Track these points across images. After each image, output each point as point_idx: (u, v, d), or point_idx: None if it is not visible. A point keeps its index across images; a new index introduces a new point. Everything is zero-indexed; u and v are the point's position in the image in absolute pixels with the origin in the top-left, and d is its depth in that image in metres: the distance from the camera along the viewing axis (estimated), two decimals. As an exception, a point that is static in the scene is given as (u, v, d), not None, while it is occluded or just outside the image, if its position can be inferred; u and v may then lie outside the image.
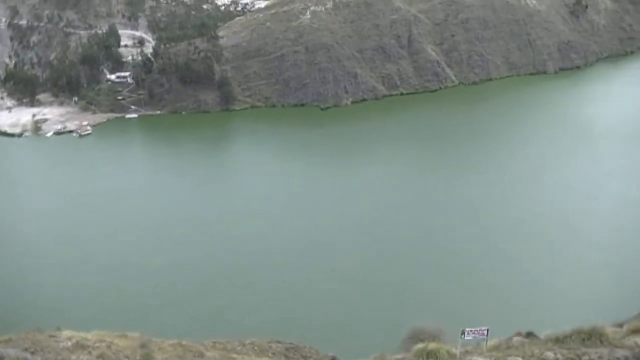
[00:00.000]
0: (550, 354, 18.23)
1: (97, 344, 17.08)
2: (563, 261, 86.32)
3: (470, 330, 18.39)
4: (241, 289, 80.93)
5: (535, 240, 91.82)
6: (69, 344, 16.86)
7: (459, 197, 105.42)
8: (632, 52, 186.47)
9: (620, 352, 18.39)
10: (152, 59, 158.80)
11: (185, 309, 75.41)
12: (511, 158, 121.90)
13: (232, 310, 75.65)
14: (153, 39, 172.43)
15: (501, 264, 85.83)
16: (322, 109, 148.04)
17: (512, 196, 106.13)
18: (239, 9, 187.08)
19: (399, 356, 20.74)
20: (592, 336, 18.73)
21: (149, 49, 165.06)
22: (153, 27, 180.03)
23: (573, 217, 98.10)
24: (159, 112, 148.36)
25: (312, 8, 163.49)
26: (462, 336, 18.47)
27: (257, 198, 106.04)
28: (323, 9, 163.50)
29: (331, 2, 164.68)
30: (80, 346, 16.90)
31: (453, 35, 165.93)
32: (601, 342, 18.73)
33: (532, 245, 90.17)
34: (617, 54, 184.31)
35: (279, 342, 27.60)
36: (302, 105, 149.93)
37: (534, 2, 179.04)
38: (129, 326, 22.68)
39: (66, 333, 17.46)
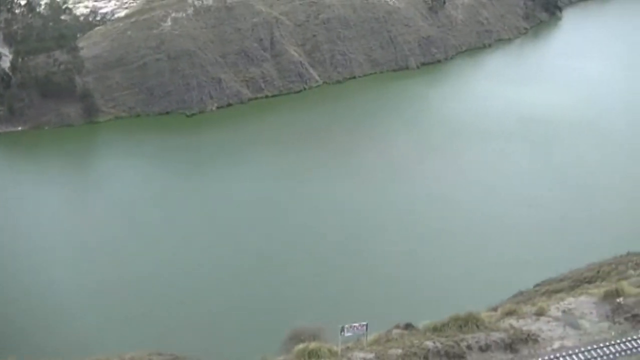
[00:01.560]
0: (429, 343, 19.83)
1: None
2: (436, 252, 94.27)
3: (350, 327, 19.33)
4: (119, 305, 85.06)
5: (407, 234, 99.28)
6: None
7: (329, 197, 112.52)
8: (489, 45, 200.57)
9: (496, 335, 20.71)
10: (10, 73, 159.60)
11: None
12: (379, 155, 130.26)
13: (110, 325, 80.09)
14: (10, 53, 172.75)
15: (375, 259, 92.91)
16: (187, 116, 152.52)
17: (382, 193, 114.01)
18: (98, 18, 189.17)
19: (280, 358, 22.23)
20: (468, 322, 20.89)
21: (6, 63, 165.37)
22: (9, 41, 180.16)
23: (442, 210, 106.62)
24: (20, 128, 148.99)
25: (172, 15, 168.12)
26: (342, 333, 19.35)
27: (124, 210, 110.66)
28: (184, 15, 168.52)
29: (192, 8, 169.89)
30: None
31: (315, 36, 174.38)
32: (477, 327, 20.86)
33: (404, 239, 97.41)
34: (476, 47, 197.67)
35: (160, 354, 31.31)
36: (167, 113, 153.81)
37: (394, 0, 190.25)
38: None
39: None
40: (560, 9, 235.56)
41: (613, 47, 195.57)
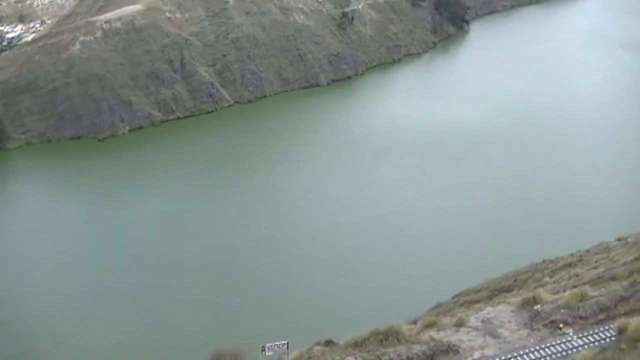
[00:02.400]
0: (350, 359, 20.25)
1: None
2: (354, 268, 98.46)
3: (271, 346, 19.62)
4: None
5: (324, 251, 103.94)
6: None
7: (243, 217, 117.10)
8: (399, 60, 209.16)
9: (417, 348, 21.00)
10: None
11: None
12: (291, 174, 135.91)
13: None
14: None
15: (294, 277, 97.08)
16: (99, 140, 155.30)
17: (296, 212, 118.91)
18: (4, 43, 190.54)
19: (202, 380, 21.61)
20: (389, 336, 21.05)
21: None
22: None
23: (357, 226, 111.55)
24: None
25: (81, 38, 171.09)
26: (263, 353, 19.54)
27: (31, 239, 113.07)
28: (92, 38, 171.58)
29: (100, 32, 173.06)
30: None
31: (225, 56, 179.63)
32: (398, 340, 21.06)
33: (321, 257, 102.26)
34: (386, 62, 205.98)
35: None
36: (79, 137, 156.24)
37: (302, 17, 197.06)
38: None
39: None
40: (467, 23, 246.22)
41: (519, 58, 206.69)
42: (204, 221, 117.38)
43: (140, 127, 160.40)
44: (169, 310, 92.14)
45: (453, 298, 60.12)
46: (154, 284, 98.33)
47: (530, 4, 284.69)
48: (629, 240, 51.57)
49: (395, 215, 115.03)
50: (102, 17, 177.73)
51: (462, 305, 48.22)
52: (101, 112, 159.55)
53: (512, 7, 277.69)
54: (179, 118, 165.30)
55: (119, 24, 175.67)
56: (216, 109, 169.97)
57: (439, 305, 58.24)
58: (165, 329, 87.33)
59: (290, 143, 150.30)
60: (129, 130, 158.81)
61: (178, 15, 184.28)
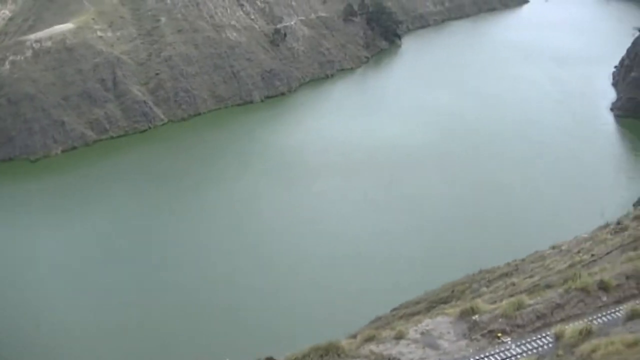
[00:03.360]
0: None
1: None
2: (293, 284, 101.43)
3: None
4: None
5: (262, 268, 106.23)
6: None
7: (178, 237, 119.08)
8: (332, 75, 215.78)
9: None
10: None
11: None
12: (226, 192, 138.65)
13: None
14: None
15: (232, 295, 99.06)
16: (31, 162, 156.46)
17: (231, 231, 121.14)
18: None
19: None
20: (329, 351, 21.37)
21: None
22: None
23: (297, 242, 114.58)
24: None
25: (10, 58, 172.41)
26: None
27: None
28: (23, 58, 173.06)
29: (31, 51, 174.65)
30: None
31: (158, 74, 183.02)
32: (338, 355, 21.40)
33: (259, 273, 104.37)
34: (319, 78, 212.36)
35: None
36: (11, 159, 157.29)
37: (235, 34, 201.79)
38: None
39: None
40: (399, 37, 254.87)
41: (451, 72, 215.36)
42: (137, 242, 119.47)
43: (74, 148, 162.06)
44: (96, 329, 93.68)
45: (392, 311, 61.29)
46: (86, 306, 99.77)
47: (460, 17, 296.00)
48: (563, 248, 52.55)
49: (332, 232, 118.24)
50: (32, 36, 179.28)
51: (401, 318, 49.14)
52: (33, 133, 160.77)
53: (443, 21, 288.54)
54: (112, 138, 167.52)
55: (49, 43, 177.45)
56: (150, 128, 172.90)
57: (378, 319, 58.89)
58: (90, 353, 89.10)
59: (224, 161, 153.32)
60: (62, 151, 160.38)
61: (110, 34, 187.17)
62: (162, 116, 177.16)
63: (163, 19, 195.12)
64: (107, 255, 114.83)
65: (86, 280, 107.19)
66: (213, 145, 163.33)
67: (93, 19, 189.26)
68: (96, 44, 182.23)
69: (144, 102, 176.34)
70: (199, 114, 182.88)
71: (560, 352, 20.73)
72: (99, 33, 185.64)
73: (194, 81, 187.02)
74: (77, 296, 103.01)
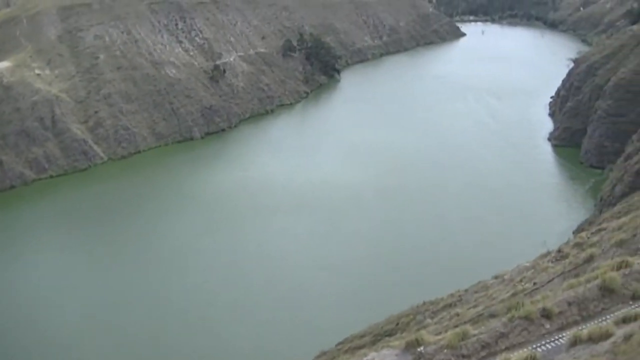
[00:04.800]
0: None
1: None
2: (238, 321, 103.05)
3: None
4: None
5: (203, 305, 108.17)
6: None
7: (116, 279, 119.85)
8: (272, 111, 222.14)
9: None
10: None
11: None
12: (161, 234, 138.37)
13: None
14: None
15: (174, 339, 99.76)
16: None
17: (172, 266, 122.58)
18: None
19: None
20: None
21: None
22: None
23: (240, 279, 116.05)
24: None
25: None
26: None
27: None
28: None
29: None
30: None
31: (97, 112, 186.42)
32: None
33: (202, 311, 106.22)
34: (259, 114, 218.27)
35: None
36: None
37: (174, 71, 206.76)
38: None
39: None
40: (338, 72, 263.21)
41: (389, 107, 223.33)
42: (74, 283, 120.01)
43: (12, 187, 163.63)
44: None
45: (337, 345, 62.35)
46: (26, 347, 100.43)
47: (398, 51, 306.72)
48: (505, 277, 53.65)
49: (274, 267, 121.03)
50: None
51: (346, 352, 51.30)
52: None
53: (381, 55, 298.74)
54: (52, 177, 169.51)
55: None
56: (90, 167, 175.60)
57: (324, 353, 60.53)
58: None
59: (164, 200, 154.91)
60: (0, 191, 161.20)
61: (47, 71, 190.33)
62: (102, 154, 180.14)
63: (102, 56, 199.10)
64: (42, 296, 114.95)
65: (17, 320, 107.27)
66: (153, 184, 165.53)
67: (30, 56, 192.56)
68: (34, 82, 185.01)
69: (84, 140, 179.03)
70: (139, 151, 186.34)
71: (507, 380, 20.90)
72: (36, 71, 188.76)
73: (134, 118, 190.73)
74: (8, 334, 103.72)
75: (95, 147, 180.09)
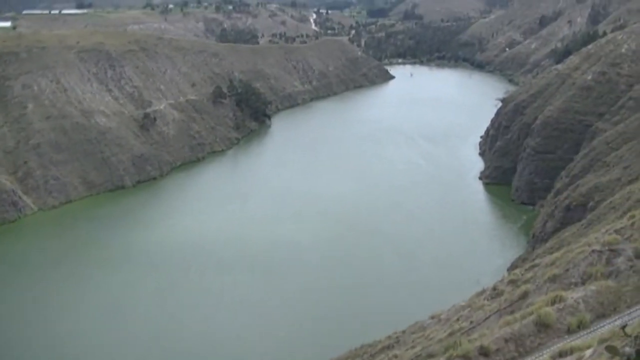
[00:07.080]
0: None
1: None
2: None
3: None
4: None
5: None
6: None
7: (45, 335, 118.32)
8: (203, 158, 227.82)
9: None
10: None
11: None
12: (92, 287, 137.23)
13: None
14: None
15: None
16: None
17: (100, 322, 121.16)
18: None
19: None
20: None
21: None
22: None
23: (166, 335, 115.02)
24: None
25: None
26: None
27: None
28: None
29: None
30: None
31: (26, 162, 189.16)
32: None
33: None
34: (190, 161, 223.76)
35: None
36: None
37: (104, 120, 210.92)
38: None
39: None
40: (269, 117, 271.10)
41: (320, 152, 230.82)
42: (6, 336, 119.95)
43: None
44: None
45: None
46: None
47: (328, 96, 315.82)
48: (442, 317, 53.75)
49: (203, 327, 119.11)
50: None
51: None
52: None
53: (312, 99, 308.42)
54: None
55: None
56: (20, 218, 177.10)
57: None
58: None
59: (93, 252, 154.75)
60: None
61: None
62: (32, 205, 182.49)
63: (30, 106, 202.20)
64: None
65: None
66: (83, 235, 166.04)
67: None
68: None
69: (13, 191, 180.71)
70: (70, 201, 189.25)
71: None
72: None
73: (64, 168, 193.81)
74: None
75: (25, 197, 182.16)
